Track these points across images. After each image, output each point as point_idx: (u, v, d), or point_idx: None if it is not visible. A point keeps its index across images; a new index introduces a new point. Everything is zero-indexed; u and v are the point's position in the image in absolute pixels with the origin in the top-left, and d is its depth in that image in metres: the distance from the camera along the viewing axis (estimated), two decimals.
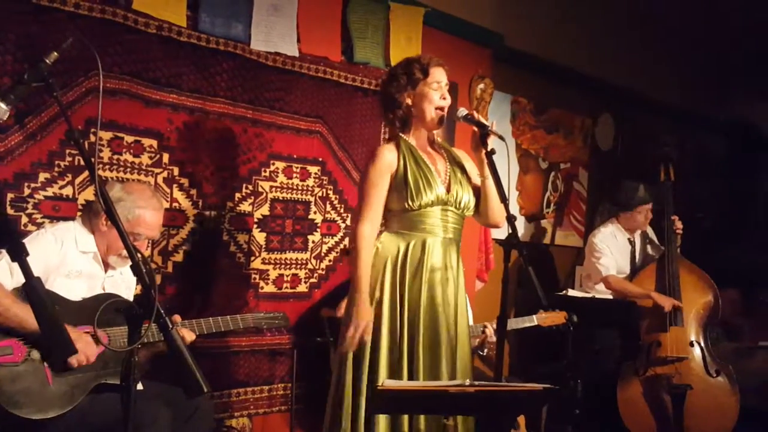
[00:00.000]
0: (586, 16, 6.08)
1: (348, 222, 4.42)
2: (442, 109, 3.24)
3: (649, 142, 6.15)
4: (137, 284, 3.19)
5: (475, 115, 3.21)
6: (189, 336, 3.08)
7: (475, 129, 3.18)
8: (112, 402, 2.61)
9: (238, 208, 3.96)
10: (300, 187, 4.23)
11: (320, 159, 4.31)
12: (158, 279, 3.65)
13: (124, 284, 3.18)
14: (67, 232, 3.02)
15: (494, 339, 3.93)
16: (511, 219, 2.92)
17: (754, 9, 6.43)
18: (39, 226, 3.19)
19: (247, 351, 4.03)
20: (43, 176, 3.27)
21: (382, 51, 4.50)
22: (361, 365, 3.15)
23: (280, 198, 4.15)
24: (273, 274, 4.13)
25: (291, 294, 4.22)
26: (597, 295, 5.14)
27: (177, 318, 3.10)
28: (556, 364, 4.66)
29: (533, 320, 4.23)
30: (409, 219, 3.21)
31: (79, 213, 3.31)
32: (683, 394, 4.77)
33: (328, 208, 4.37)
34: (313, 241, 4.32)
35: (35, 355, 2.75)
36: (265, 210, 4.08)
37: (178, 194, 3.73)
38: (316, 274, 4.33)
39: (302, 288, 4.27)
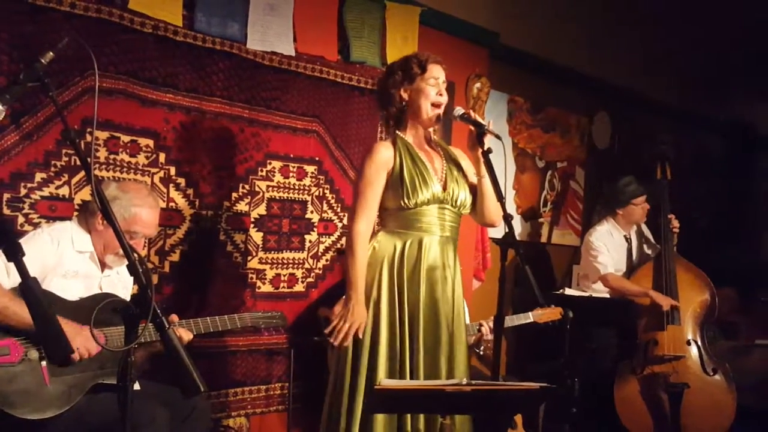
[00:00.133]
0: (583, 15, 6.09)
1: (345, 221, 4.42)
2: (438, 105, 3.24)
3: (646, 140, 6.16)
4: (134, 284, 3.19)
5: (472, 114, 3.21)
6: (186, 336, 3.08)
7: (472, 128, 3.18)
8: (109, 402, 2.60)
9: (234, 207, 3.96)
10: (297, 187, 4.22)
11: (317, 158, 4.30)
12: (155, 279, 3.64)
13: (121, 284, 3.17)
14: (64, 232, 3.02)
15: (490, 337, 3.95)
16: (507, 218, 2.92)
17: (753, 9, 6.44)
18: (35, 226, 3.19)
19: (244, 350, 4.03)
20: (39, 176, 3.26)
21: (378, 50, 4.50)
22: (359, 364, 3.15)
23: (277, 197, 4.14)
24: (270, 273, 4.13)
25: (288, 293, 4.21)
26: (594, 294, 5.15)
27: (174, 318, 3.09)
28: (554, 363, 4.67)
29: (529, 317, 4.23)
30: (406, 217, 3.21)
31: (75, 213, 3.30)
32: (680, 392, 4.77)
33: (325, 207, 4.37)
34: (310, 241, 4.31)
35: (32, 355, 2.75)
36: (261, 209, 4.08)
37: (174, 194, 3.73)
38: (313, 274, 4.33)
39: (299, 287, 4.27)
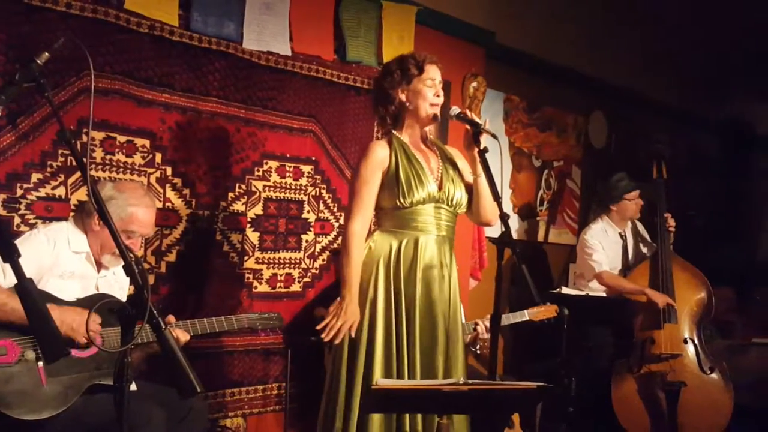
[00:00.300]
0: (580, 14, 6.09)
1: (341, 221, 4.42)
2: (435, 106, 3.24)
3: (642, 140, 6.17)
4: (130, 284, 3.18)
5: (468, 113, 3.22)
6: (183, 336, 3.07)
7: (468, 127, 3.18)
8: (105, 403, 2.60)
9: (231, 207, 3.96)
10: (293, 187, 4.22)
11: (313, 158, 4.30)
12: (151, 279, 3.64)
13: (118, 284, 3.17)
14: (60, 233, 3.02)
15: (486, 336, 3.95)
16: (504, 217, 2.92)
17: (751, 9, 6.45)
18: (32, 226, 3.18)
19: (241, 351, 4.03)
20: (35, 177, 3.26)
21: (374, 50, 4.50)
22: (356, 364, 3.15)
23: (273, 197, 4.14)
24: (266, 273, 4.13)
25: (285, 293, 4.21)
26: (591, 293, 5.16)
27: (171, 318, 3.09)
28: (551, 362, 4.67)
29: (525, 315, 4.24)
30: (402, 217, 3.21)
31: (71, 213, 3.30)
32: (677, 391, 4.78)
33: (322, 207, 4.37)
34: (307, 241, 4.31)
35: (29, 355, 2.75)
36: (258, 209, 4.08)
37: (170, 194, 3.72)
38: (309, 274, 4.33)
39: (296, 287, 4.27)
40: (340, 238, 4.37)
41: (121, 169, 3.53)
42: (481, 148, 3.10)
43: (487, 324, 3.94)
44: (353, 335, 3.14)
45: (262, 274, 4.11)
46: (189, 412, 3.09)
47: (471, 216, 3.43)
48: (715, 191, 7.90)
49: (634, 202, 5.35)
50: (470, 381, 2.63)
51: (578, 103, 6.39)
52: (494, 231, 4.39)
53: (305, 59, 4.19)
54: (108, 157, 3.48)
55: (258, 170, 4.06)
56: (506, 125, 5.72)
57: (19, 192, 3.22)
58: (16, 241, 2.71)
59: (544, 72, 5.93)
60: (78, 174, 3.34)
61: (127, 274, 2.08)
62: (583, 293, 5.15)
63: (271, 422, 4.17)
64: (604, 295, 5.16)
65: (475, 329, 4.01)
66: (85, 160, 2.18)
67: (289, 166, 4.19)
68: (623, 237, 5.37)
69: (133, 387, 2.89)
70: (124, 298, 3.11)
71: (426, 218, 3.21)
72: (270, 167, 4.11)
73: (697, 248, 5.66)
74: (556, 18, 5.91)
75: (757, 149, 8.32)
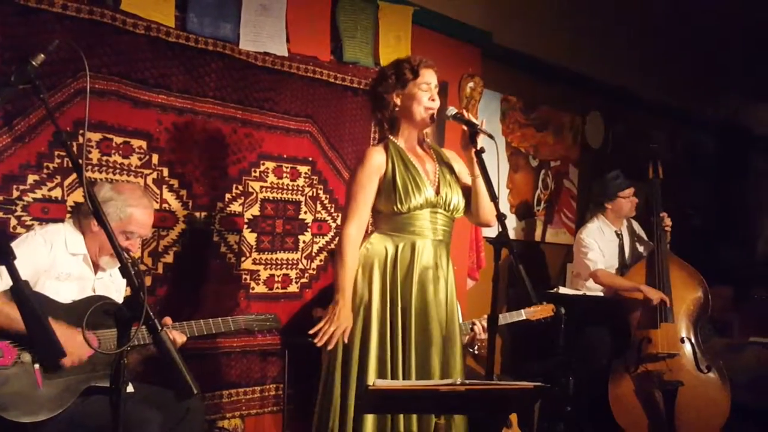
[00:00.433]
0: (576, 15, 6.09)
1: (339, 222, 4.42)
2: (430, 110, 3.24)
3: (639, 140, 6.18)
4: (127, 286, 3.18)
5: (465, 113, 3.22)
6: (180, 338, 3.07)
7: (465, 128, 3.18)
8: (102, 405, 2.60)
9: (228, 208, 3.96)
10: (290, 187, 4.22)
11: (310, 159, 4.30)
12: (148, 280, 3.64)
13: (114, 286, 3.17)
14: (57, 235, 3.01)
15: (483, 336, 3.94)
16: (500, 217, 2.92)
17: (747, 9, 6.45)
18: (28, 228, 3.17)
19: (238, 352, 4.02)
20: (31, 178, 3.25)
21: (371, 50, 4.49)
22: (350, 366, 3.15)
23: (271, 198, 4.14)
24: (264, 274, 4.12)
25: (282, 294, 4.21)
26: (588, 293, 5.17)
27: (168, 320, 3.09)
28: (548, 362, 4.67)
29: (522, 314, 4.24)
30: (398, 221, 3.22)
31: (68, 215, 3.29)
32: (674, 390, 4.78)
33: (319, 207, 4.37)
34: (304, 241, 4.31)
35: (25, 357, 2.74)
36: (255, 210, 4.07)
37: (167, 195, 3.72)
38: (306, 274, 4.33)
39: (293, 288, 4.27)
40: (337, 239, 4.38)
41: (117, 171, 3.52)
42: (478, 148, 3.10)
43: (485, 324, 3.93)
44: (346, 340, 3.14)
45: (259, 275, 4.10)
46: (186, 413, 3.08)
47: (470, 217, 3.43)
48: (711, 191, 7.91)
49: (629, 200, 5.36)
50: (467, 381, 2.62)
51: (575, 103, 6.39)
52: (491, 231, 4.38)
53: (302, 60, 4.19)
54: (105, 158, 3.48)
55: (255, 171, 4.06)
56: (503, 125, 5.72)
57: (16, 194, 3.21)
58: (13, 243, 2.70)
59: (541, 72, 5.93)
60: (74, 175, 3.34)
61: (124, 276, 2.08)
62: (580, 293, 5.16)
63: (269, 423, 4.17)
64: (602, 294, 5.16)
65: (472, 329, 4.01)
66: (81, 161, 2.18)
67: (286, 167, 4.19)
68: (619, 235, 5.38)
69: (130, 389, 2.89)
70: (121, 300, 3.11)
71: (423, 223, 3.21)
72: (267, 168, 4.11)
73: (695, 247, 5.67)
74: (552, 18, 5.91)
75: (754, 150, 8.33)
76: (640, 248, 5.45)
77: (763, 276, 6.94)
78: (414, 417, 3.13)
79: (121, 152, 3.54)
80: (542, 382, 2.69)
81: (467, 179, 3.33)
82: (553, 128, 6.19)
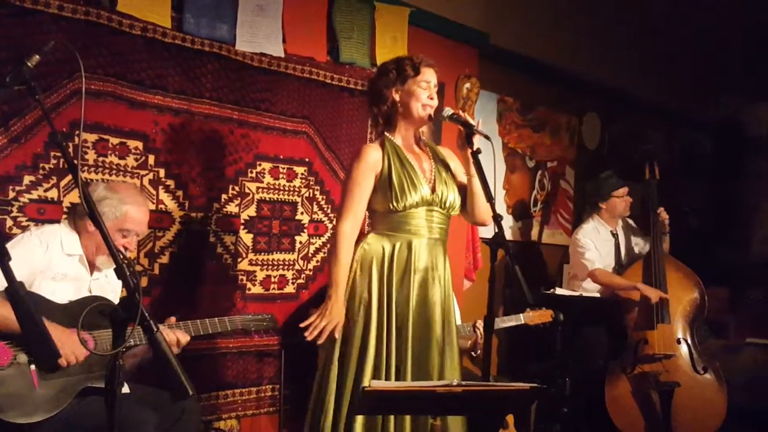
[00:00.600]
0: (573, 15, 6.09)
1: (335, 223, 4.41)
2: (427, 108, 3.24)
3: (636, 141, 6.18)
4: (122, 286, 3.18)
5: (461, 114, 3.22)
6: (183, 338, 3.07)
7: (461, 128, 3.18)
8: (98, 405, 2.59)
9: (224, 209, 3.95)
10: (287, 188, 4.22)
11: (307, 159, 4.30)
12: (144, 281, 3.63)
13: (110, 287, 3.16)
14: (53, 235, 3.01)
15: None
16: (497, 218, 2.93)
17: (744, 9, 6.46)
18: (24, 229, 3.17)
19: (234, 352, 4.02)
20: (27, 179, 3.25)
21: (367, 51, 4.50)
22: (347, 366, 3.15)
23: (267, 199, 4.14)
24: (260, 275, 4.12)
25: (278, 295, 4.21)
26: (584, 294, 5.17)
27: (172, 320, 3.10)
28: (545, 363, 4.68)
29: (520, 319, 4.24)
30: (394, 220, 3.22)
31: (64, 216, 3.29)
32: (671, 391, 4.78)
33: (315, 208, 4.36)
34: (300, 242, 4.31)
35: (21, 358, 2.74)
36: (251, 211, 4.07)
37: (164, 196, 3.72)
38: (303, 275, 4.33)
39: (290, 289, 4.27)
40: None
41: (113, 171, 3.52)
42: (474, 149, 3.10)
43: None
44: (337, 336, 3.14)
45: (255, 276, 4.10)
46: (182, 414, 3.08)
47: (465, 216, 3.44)
48: (708, 191, 7.91)
49: (623, 199, 5.37)
50: (464, 382, 2.62)
51: (572, 104, 6.39)
52: (488, 232, 4.40)
53: (298, 61, 4.19)
54: (101, 159, 3.48)
55: (251, 172, 4.05)
56: (500, 126, 5.72)
57: (12, 194, 3.21)
58: (8, 244, 2.70)
59: (538, 73, 5.94)
60: (70, 176, 3.33)
61: (119, 277, 2.08)
62: (576, 294, 5.16)
63: (265, 424, 4.16)
64: (598, 295, 5.16)
65: (474, 331, 3.98)
66: (76, 162, 2.18)
67: (283, 168, 4.19)
68: (615, 235, 5.38)
69: (126, 389, 2.89)
70: (116, 301, 3.11)
71: (418, 221, 3.22)
72: (263, 169, 4.11)
73: (691, 248, 5.67)
74: (549, 19, 5.91)
75: (750, 150, 8.34)
76: (636, 248, 5.45)
77: (759, 277, 6.95)
78: (407, 420, 3.12)
79: (117, 153, 3.53)
80: (539, 383, 2.69)
81: (463, 177, 3.34)
82: (549, 129, 6.19)
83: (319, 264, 4.39)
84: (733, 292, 6.58)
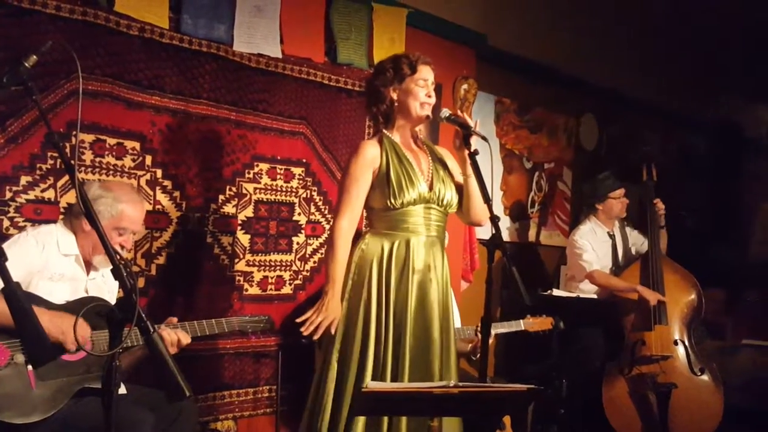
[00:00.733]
0: (571, 17, 6.10)
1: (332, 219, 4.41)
2: (426, 106, 3.25)
3: (633, 142, 6.18)
4: (119, 287, 3.18)
5: (459, 115, 3.22)
6: (184, 338, 3.06)
7: (459, 129, 3.19)
8: (95, 406, 2.59)
9: (221, 210, 3.95)
10: (284, 189, 4.22)
11: (304, 160, 4.30)
12: (141, 282, 3.63)
13: (107, 287, 3.16)
14: (49, 236, 3.00)
15: None
16: (494, 219, 2.92)
17: (748, 9, 6.46)
18: (21, 229, 3.17)
19: (231, 353, 4.02)
20: (24, 179, 3.25)
21: (365, 52, 4.50)
22: (346, 367, 3.15)
23: (264, 200, 4.14)
24: (257, 276, 4.12)
25: (275, 296, 4.21)
26: (582, 295, 5.17)
27: (173, 320, 3.10)
28: (542, 364, 4.67)
29: (520, 325, 4.22)
30: (392, 218, 3.22)
31: (61, 216, 3.29)
32: (668, 392, 4.78)
33: (313, 209, 4.36)
34: (298, 243, 4.31)
35: (19, 359, 2.73)
36: (249, 212, 4.07)
37: (161, 196, 3.71)
38: (300, 276, 4.33)
39: (287, 290, 4.26)
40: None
41: (111, 172, 3.52)
42: (472, 150, 3.10)
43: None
44: (333, 332, 3.14)
45: (252, 277, 4.10)
46: (179, 415, 3.08)
47: (462, 216, 3.44)
48: (705, 193, 7.91)
49: (620, 201, 5.37)
50: (461, 383, 2.62)
51: (569, 105, 6.40)
52: (485, 233, 4.39)
53: (296, 61, 4.19)
54: (98, 159, 3.47)
55: (249, 172, 4.05)
56: (497, 127, 5.73)
57: (8, 195, 3.21)
58: (5, 245, 2.70)
59: (535, 74, 5.94)
60: (67, 176, 3.33)
61: (115, 278, 2.07)
62: (573, 295, 5.16)
63: (262, 425, 4.16)
64: (595, 297, 5.17)
65: (476, 335, 3.96)
66: (73, 162, 2.18)
67: (280, 169, 4.19)
68: (612, 236, 5.39)
69: (123, 390, 2.88)
70: (113, 301, 3.11)
71: (416, 219, 3.22)
72: (261, 169, 4.10)
73: (688, 250, 5.67)
74: (547, 20, 5.91)
75: (748, 151, 8.34)
76: (633, 249, 5.46)
77: (756, 278, 6.95)
78: (403, 421, 3.11)
79: (114, 153, 3.53)
80: (536, 384, 2.68)
81: (459, 177, 3.34)
82: (547, 130, 6.20)
83: (316, 265, 4.39)
84: (730, 294, 6.58)
